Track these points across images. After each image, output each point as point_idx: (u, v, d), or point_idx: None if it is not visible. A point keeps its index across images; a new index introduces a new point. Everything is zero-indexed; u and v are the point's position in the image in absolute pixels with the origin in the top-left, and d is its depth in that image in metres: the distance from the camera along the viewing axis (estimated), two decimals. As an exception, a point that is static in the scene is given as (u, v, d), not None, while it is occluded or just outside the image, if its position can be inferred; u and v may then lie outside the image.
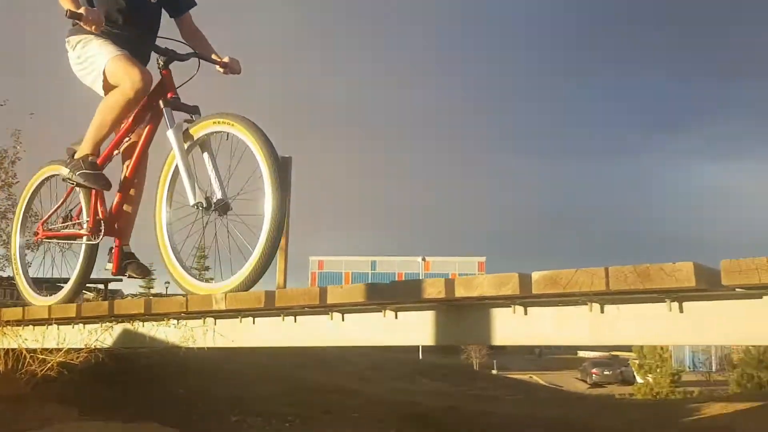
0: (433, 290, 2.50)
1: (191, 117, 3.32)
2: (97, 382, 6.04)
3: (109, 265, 3.69)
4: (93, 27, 3.18)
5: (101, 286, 17.73)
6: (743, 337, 2.47)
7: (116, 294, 19.62)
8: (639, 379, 27.97)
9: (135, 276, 3.67)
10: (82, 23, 3.18)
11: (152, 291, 29.50)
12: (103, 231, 3.62)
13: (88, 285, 8.73)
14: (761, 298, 2.14)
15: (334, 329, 3.14)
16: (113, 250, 3.68)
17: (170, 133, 3.27)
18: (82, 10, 3.15)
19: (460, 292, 2.46)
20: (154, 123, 3.49)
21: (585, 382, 35.52)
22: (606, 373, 35.22)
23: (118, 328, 4.17)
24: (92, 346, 4.35)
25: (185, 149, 3.24)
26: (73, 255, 3.90)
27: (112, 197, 3.67)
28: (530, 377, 32.06)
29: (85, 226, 3.70)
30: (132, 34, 3.43)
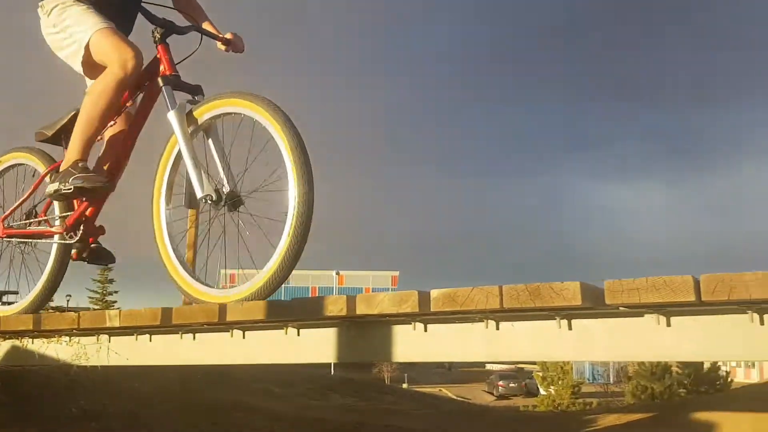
0: (335, 308, 2.51)
1: (193, 98, 2.89)
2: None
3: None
4: None
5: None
6: (627, 353, 2.62)
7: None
8: (542, 391, 29.01)
9: (100, 263, 3.21)
10: None
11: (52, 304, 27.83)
12: (81, 231, 3.10)
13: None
14: (643, 316, 2.28)
15: (235, 347, 3.08)
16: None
17: (171, 115, 2.81)
18: None
19: (361, 310, 2.49)
20: (145, 107, 3.03)
21: (492, 394, 36.63)
22: (512, 385, 36.51)
23: (6, 344, 3.94)
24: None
25: (189, 134, 2.80)
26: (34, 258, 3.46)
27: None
28: (440, 390, 32.67)
29: (57, 222, 3.20)
30: None
